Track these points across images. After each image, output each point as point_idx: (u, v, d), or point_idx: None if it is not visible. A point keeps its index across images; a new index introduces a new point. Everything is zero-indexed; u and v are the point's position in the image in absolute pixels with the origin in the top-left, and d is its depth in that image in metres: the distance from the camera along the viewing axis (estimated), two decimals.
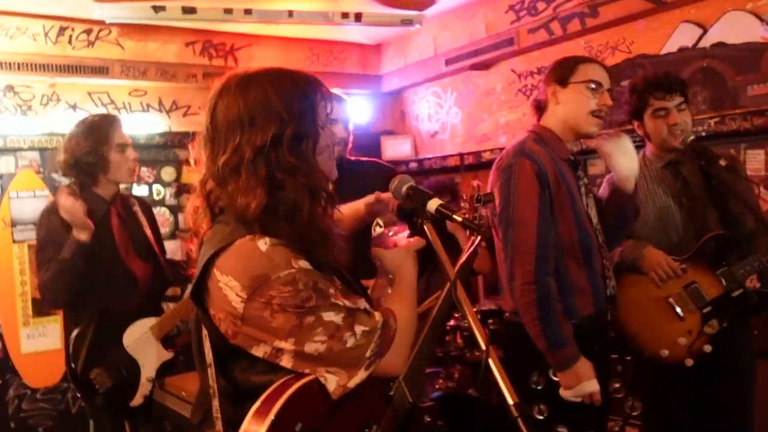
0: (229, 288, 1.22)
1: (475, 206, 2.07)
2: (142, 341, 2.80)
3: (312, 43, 5.59)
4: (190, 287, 1.33)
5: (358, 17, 4.70)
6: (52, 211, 2.79)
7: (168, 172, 5.16)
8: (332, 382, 1.24)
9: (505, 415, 2.30)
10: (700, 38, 3.78)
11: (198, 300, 1.31)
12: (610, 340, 2.38)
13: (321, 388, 1.25)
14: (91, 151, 2.81)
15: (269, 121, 1.27)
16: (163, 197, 5.19)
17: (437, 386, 3.43)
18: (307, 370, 1.24)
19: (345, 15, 4.70)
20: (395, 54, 5.84)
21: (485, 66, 5.13)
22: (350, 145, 2.60)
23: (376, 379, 1.40)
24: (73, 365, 2.72)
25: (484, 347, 1.06)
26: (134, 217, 3.06)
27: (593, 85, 2.24)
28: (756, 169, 3.45)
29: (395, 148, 5.92)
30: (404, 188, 1.41)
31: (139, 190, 4.99)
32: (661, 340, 2.39)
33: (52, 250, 2.71)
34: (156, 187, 5.12)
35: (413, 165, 5.83)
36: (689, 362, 2.36)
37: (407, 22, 4.92)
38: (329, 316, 1.23)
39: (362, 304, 1.30)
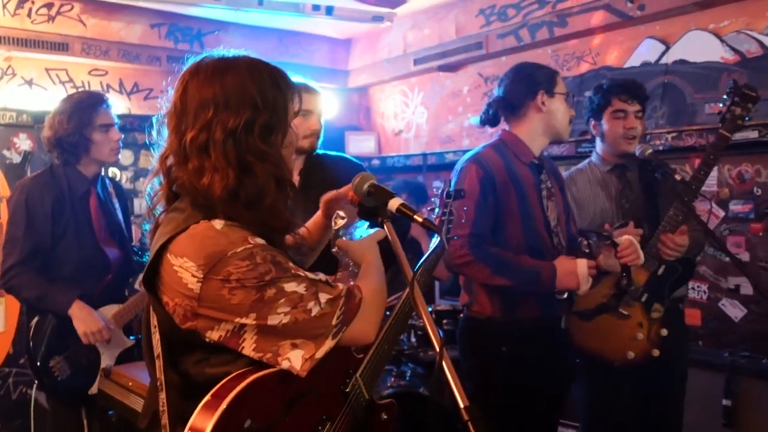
0: (184, 269, 1.20)
1: (446, 201, 2.12)
2: None
3: (281, 33, 5.53)
4: (141, 275, 1.31)
5: (329, 10, 4.68)
6: (25, 190, 2.78)
7: (125, 156, 5.03)
8: (297, 358, 1.21)
9: (457, 415, 2.35)
10: (662, 54, 3.87)
11: (150, 287, 1.28)
12: (560, 346, 2.41)
13: (280, 378, 1.23)
14: (74, 131, 2.78)
15: (244, 106, 1.28)
16: (119, 181, 5.06)
17: (389, 384, 3.44)
18: (269, 352, 1.21)
19: (316, 7, 4.66)
20: (364, 50, 5.82)
21: (453, 68, 5.15)
22: (321, 138, 2.59)
23: (332, 375, 1.39)
24: (32, 352, 2.68)
25: (438, 349, 1.06)
26: (110, 199, 3.03)
27: (567, 97, 2.44)
28: (709, 185, 3.54)
29: (359, 144, 5.91)
30: (366, 186, 1.40)
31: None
32: (621, 344, 2.45)
33: (23, 243, 2.71)
34: (112, 170, 4.99)
35: (376, 162, 5.82)
36: (656, 352, 2.43)
37: (378, 18, 4.92)
38: (291, 286, 1.22)
39: (322, 276, 1.30)
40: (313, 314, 1.23)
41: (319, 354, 1.24)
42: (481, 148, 2.41)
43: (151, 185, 1.37)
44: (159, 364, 1.29)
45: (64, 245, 2.76)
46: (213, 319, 1.21)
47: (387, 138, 5.98)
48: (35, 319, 2.73)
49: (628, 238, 2.30)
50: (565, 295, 2.36)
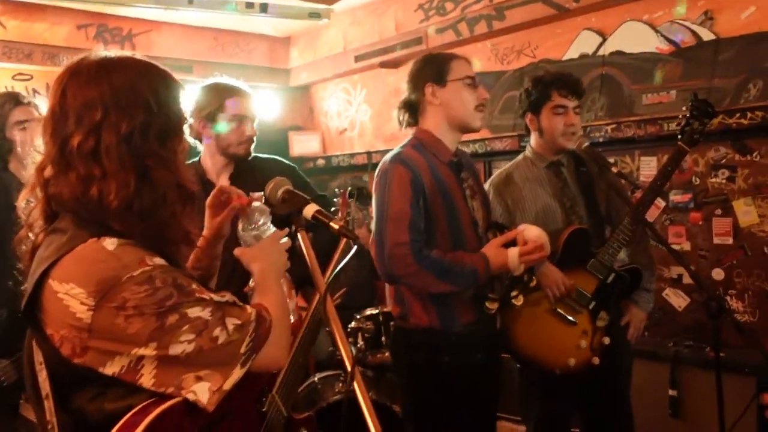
0: (71, 297, 1.07)
1: (348, 201, 2.03)
2: None
3: (217, 32, 5.37)
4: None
5: (264, 7, 4.54)
6: None
7: None
8: (203, 391, 1.10)
9: (407, 419, 2.27)
10: (599, 46, 3.88)
11: (31, 319, 1.14)
12: (496, 348, 2.36)
13: (187, 410, 1.12)
14: None
15: (137, 107, 1.16)
16: None
17: (337, 390, 3.35)
18: (171, 386, 1.09)
19: (249, 5, 4.52)
20: (304, 48, 5.70)
21: (395, 64, 5.08)
22: (254, 144, 2.48)
23: (246, 395, 1.29)
24: None
25: (349, 369, 0.97)
26: None
27: (469, 81, 2.27)
28: (648, 175, 3.56)
29: (303, 145, 5.79)
30: (280, 192, 1.31)
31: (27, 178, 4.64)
32: (564, 351, 2.40)
33: None
34: None
35: (321, 162, 5.72)
36: (596, 360, 2.40)
37: (315, 15, 4.81)
38: (195, 311, 1.11)
39: (230, 297, 1.19)
40: (219, 342, 1.12)
41: (227, 386, 1.13)
42: (401, 148, 2.27)
43: (26, 201, 1.23)
44: (48, 405, 1.14)
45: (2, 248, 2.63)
46: (107, 352, 1.09)
47: (331, 137, 5.87)
48: None
49: (528, 229, 2.21)
50: (493, 310, 2.27)
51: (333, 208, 2.25)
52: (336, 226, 1.21)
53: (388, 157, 2.25)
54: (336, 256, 1.94)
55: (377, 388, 3.34)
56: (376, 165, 5.12)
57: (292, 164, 2.72)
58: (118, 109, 1.15)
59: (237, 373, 1.14)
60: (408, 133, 2.39)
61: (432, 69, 2.26)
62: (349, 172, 5.57)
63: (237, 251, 1.34)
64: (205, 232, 1.44)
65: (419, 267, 2.08)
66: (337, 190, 2.27)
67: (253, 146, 2.46)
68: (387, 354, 3.45)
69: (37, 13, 4.56)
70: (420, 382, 2.20)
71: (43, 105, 3.67)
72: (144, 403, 1.11)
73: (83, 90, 1.16)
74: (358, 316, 3.51)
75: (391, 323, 3.52)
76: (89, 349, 1.08)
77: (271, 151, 2.63)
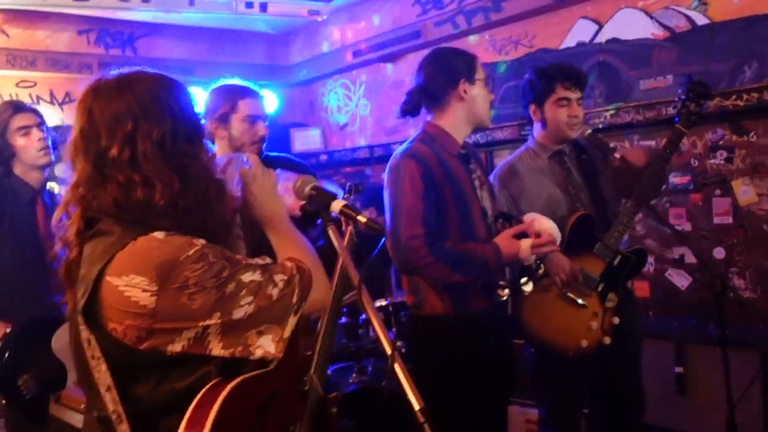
0: (132, 287, 1.15)
1: (345, 196, 2.10)
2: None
3: (217, 32, 5.42)
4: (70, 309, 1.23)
5: (263, 7, 4.60)
6: None
7: (62, 169, 4.87)
8: (268, 343, 1.22)
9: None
10: (596, 34, 3.94)
11: (90, 319, 1.20)
12: (507, 332, 2.44)
13: (250, 386, 1.22)
14: None
15: (164, 115, 1.24)
16: (59, 194, 4.89)
17: (350, 380, 3.43)
18: (239, 346, 1.20)
19: (249, 4, 4.58)
20: (303, 45, 5.76)
21: (393, 58, 5.14)
22: (265, 142, 2.55)
23: (291, 376, 1.39)
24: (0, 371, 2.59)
25: (389, 353, 1.05)
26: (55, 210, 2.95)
27: (488, 82, 2.38)
28: None
29: (305, 141, 5.85)
30: (307, 189, 1.38)
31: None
32: (576, 334, 2.48)
33: None
34: (50, 184, 4.82)
35: (323, 157, 5.78)
36: (607, 340, 2.48)
37: (313, 12, 4.86)
38: (248, 276, 1.21)
39: (269, 259, 1.30)
40: (274, 298, 1.23)
41: (287, 333, 1.24)
42: (411, 142, 2.33)
43: (62, 220, 1.29)
44: (112, 395, 1.21)
45: (11, 259, 2.71)
46: (173, 331, 1.17)
47: (332, 132, 5.94)
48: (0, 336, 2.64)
49: (537, 219, 2.28)
50: (504, 297, 2.35)
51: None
52: (363, 220, 1.28)
53: (398, 152, 2.31)
54: (340, 259, 2.03)
55: (390, 378, 3.41)
56: (378, 159, 5.25)
57: (302, 162, 2.79)
58: (147, 119, 1.22)
59: (292, 321, 1.25)
60: (407, 124, 2.46)
61: (463, 65, 2.32)
62: (352, 167, 5.64)
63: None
64: None
65: (434, 258, 2.15)
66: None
67: (264, 145, 2.53)
68: (398, 344, 3.53)
69: (39, 21, 4.62)
70: (436, 368, 2.28)
71: (46, 111, 3.73)
72: (210, 384, 1.19)
73: (110, 106, 1.23)
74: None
75: (401, 313, 3.62)
76: (155, 332, 1.16)
77: (273, 148, 2.69)
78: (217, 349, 1.19)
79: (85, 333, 1.21)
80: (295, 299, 1.26)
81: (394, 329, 3.60)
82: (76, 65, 4.76)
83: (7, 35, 4.52)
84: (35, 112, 2.94)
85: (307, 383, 1.45)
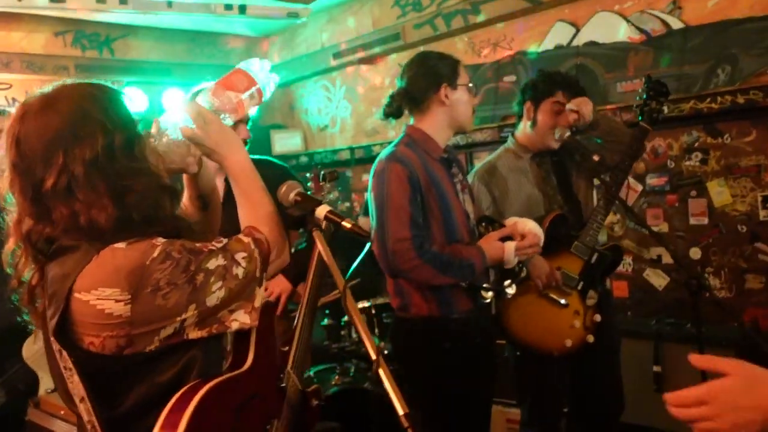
0: (104, 299, 1.14)
1: (321, 184, 2.11)
2: (42, 353, 2.62)
3: (194, 34, 5.39)
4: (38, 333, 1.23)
5: (242, 9, 4.58)
6: None
7: None
8: (242, 316, 1.26)
9: (409, 407, 2.36)
10: (573, 37, 3.99)
11: (62, 337, 1.19)
12: (491, 332, 2.46)
13: (226, 389, 1.24)
14: None
15: (94, 132, 1.20)
16: None
17: (333, 382, 3.43)
18: (215, 324, 1.23)
19: (228, 6, 4.56)
20: (282, 46, 5.75)
21: (373, 60, 5.15)
22: (247, 145, 2.54)
23: (268, 374, 1.42)
24: None
25: (374, 357, 1.06)
26: None
27: (472, 87, 2.38)
28: None
29: (285, 142, 5.84)
30: (292, 194, 1.38)
31: None
32: (559, 333, 2.52)
33: None
34: None
35: (304, 159, 5.78)
36: (590, 338, 2.52)
37: (293, 15, 4.85)
38: (213, 263, 1.23)
39: (224, 239, 1.30)
40: (240, 276, 1.26)
41: (257, 303, 1.29)
42: (394, 146, 2.34)
43: (12, 254, 1.27)
44: (85, 406, 1.21)
45: None
46: (152, 332, 1.18)
47: (312, 134, 5.93)
48: None
49: (520, 222, 2.32)
50: (488, 300, 2.37)
51: (308, 192, 2.34)
52: (348, 225, 1.29)
53: (382, 156, 2.31)
54: (315, 252, 2.04)
55: (372, 379, 3.43)
56: (358, 160, 5.25)
57: (284, 164, 2.79)
58: (77, 140, 1.18)
59: (260, 292, 1.30)
60: (387, 126, 2.46)
61: (446, 69, 2.33)
62: (332, 168, 5.63)
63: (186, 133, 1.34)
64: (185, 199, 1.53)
65: (421, 261, 2.17)
66: (308, 174, 2.32)
67: (246, 148, 2.52)
68: (381, 345, 3.54)
69: (13, 22, 4.55)
70: (422, 369, 2.29)
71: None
72: (185, 387, 1.21)
73: (38, 134, 1.19)
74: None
75: (384, 315, 3.63)
76: (134, 338, 1.16)
77: (253, 150, 2.69)
78: (193, 333, 1.22)
79: (56, 345, 1.20)
80: (258, 272, 1.29)
81: (376, 330, 3.61)
82: (52, 67, 4.70)
83: None
84: (2, 112, 2.88)
85: (285, 379, 1.47)
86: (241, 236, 1.32)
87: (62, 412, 2.34)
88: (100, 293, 1.15)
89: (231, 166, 1.38)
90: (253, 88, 1.46)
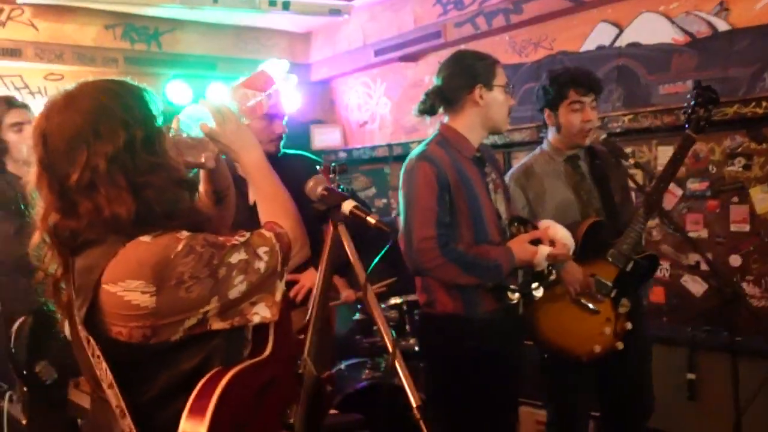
0: (130, 291, 1.19)
1: (330, 177, 2.13)
2: None
3: (239, 29, 5.48)
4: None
5: (286, 5, 4.65)
6: None
7: None
8: (263, 309, 1.29)
9: (431, 403, 2.38)
10: (616, 38, 3.93)
11: (92, 328, 1.25)
12: (518, 334, 2.46)
13: (248, 374, 1.28)
14: None
15: (116, 128, 1.24)
16: None
17: (363, 377, 3.47)
18: (237, 316, 1.27)
19: (272, 2, 4.63)
20: (324, 43, 5.80)
21: (413, 58, 5.17)
22: (283, 140, 2.59)
23: (287, 361, 1.46)
24: (16, 359, 2.68)
25: (391, 350, 1.09)
26: None
27: (509, 88, 2.37)
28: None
29: (324, 138, 5.90)
30: (319, 189, 1.42)
31: None
32: (589, 339, 2.51)
33: None
34: None
35: (342, 155, 5.83)
36: (620, 345, 2.50)
37: (335, 12, 4.90)
38: (235, 257, 1.26)
39: (247, 233, 1.33)
40: (262, 271, 1.29)
41: (278, 297, 1.32)
42: (425, 145, 2.35)
43: (38, 247, 1.32)
44: (113, 392, 1.25)
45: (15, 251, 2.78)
46: (176, 323, 1.22)
47: (352, 130, 5.98)
48: (16, 325, 2.70)
49: (552, 226, 2.30)
50: (514, 301, 2.36)
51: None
52: (373, 221, 1.32)
53: (413, 154, 2.33)
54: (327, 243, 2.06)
55: (390, 373, 3.45)
56: (397, 157, 5.29)
57: (318, 159, 2.83)
58: (99, 137, 1.23)
59: (280, 286, 1.33)
60: (426, 123, 2.47)
61: (482, 70, 2.32)
62: (371, 164, 5.68)
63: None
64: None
65: (445, 260, 2.18)
66: (318, 167, 2.34)
67: (282, 143, 2.57)
68: (411, 341, 3.56)
69: (66, 15, 4.71)
70: (445, 366, 2.31)
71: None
72: (209, 375, 1.25)
73: (62, 132, 1.24)
74: (383, 306, 3.62)
75: (415, 312, 3.66)
76: (160, 328, 1.22)
77: (292, 145, 2.74)
78: (216, 324, 1.26)
79: (83, 333, 1.25)
80: (279, 266, 1.32)
81: (407, 327, 3.63)
82: (102, 59, 4.85)
83: (36, 29, 4.62)
84: (28, 108, 2.98)
85: (302, 366, 1.52)
86: (263, 231, 1.35)
87: None
88: (126, 285, 1.20)
89: (246, 164, 1.43)
90: (271, 88, 1.50)
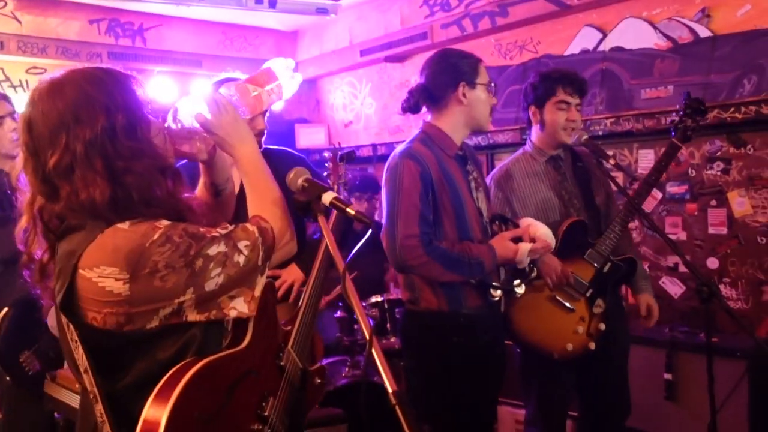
0: (104, 278, 1.19)
1: (338, 163, 2.12)
2: None
3: (225, 26, 5.48)
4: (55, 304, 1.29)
5: (272, 3, 4.65)
6: None
7: None
8: (241, 304, 1.28)
9: (414, 400, 2.39)
10: (600, 42, 3.98)
11: (68, 311, 1.25)
12: (501, 331, 2.48)
13: (219, 367, 1.27)
14: None
15: (96, 114, 1.25)
16: None
17: (344, 374, 3.47)
18: (213, 310, 1.26)
19: (259, 1, 4.63)
20: (311, 42, 5.81)
21: (399, 58, 5.19)
22: (265, 136, 2.59)
23: (266, 352, 1.45)
24: (2, 348, 2.63)
25: (368, 337, 1.09)
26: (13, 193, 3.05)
27: (491, 87, 2.37)
28: (646, 167, 3.67)
29: (309, 137, 5.91)
30: (300, 180, 1.42)
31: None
32: (562, 337, 2.52)
33: None
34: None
35: (327, 154, 5.82)
36: (592, 345, 2.51)
37: (322, 10, 4.91)
38: (213, 249, 1.25)
39: (230, 225, 1.32)
40: (242, 265, 1.28)
41: (257, 293, 1.31)
42: (410, 142, 2.35)
43: (24, 233, 1.32)
44: (88, 378, 1.26)
45: None
46: (150, 312, 1.22)
47: (337, 129, 5.99)
48: (2, 313, 2.67)
49: (533, 224, 2.32)
50: (497, 298, 2.38)
51: (325, 173, 2.37)
52: (352, 212, 1.32)
53: (397, 151, 2.34)
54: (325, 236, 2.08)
55: (367, 361, 3.44)
56: (381, 157, 5.30)
57: (301, 155, 2.84)
58: (79, 122, 1.24)
59: (261, 281, 1.32)
60: (410, 124, 2.47)
61: (465, 68, 2.33)
62: (355, 164, 5.69)
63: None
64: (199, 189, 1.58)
65: (429, 258, 2.19)
66: (326, 154, 2.33)
67: (263, 138, 2.57)
68: (392, 339, 3.57)
69: (50, 9, 4.68)
70: (429, 363, 2.32)
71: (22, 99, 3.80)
72: (182, 363, 1.24)
73: (45, 118, 1.25)
74: (364, 304, 3.62)
75: (396, 310, 3.66)
76: (134, 316, 1.21)
77: (277, 143, 2.74)
78: (192, 316, 1.25)
79: (64, 318, 1.26)
80: (260, 261, 1.31)
81: (388, 325, 3.64)
82: (86, 54, 4.82)
83: (20, 22, 4.58)
84: (7, 100, 2.95)
85: (284, 358, 1.51)
86: (247, 225, 1.34)
87: (77, 386, 2.41)
88: (101, 271, 1.19)
89: (240, 157, 1.42)
90: (273, 84, 1.51)
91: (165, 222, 1.24)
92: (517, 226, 2.34)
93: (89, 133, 1.23)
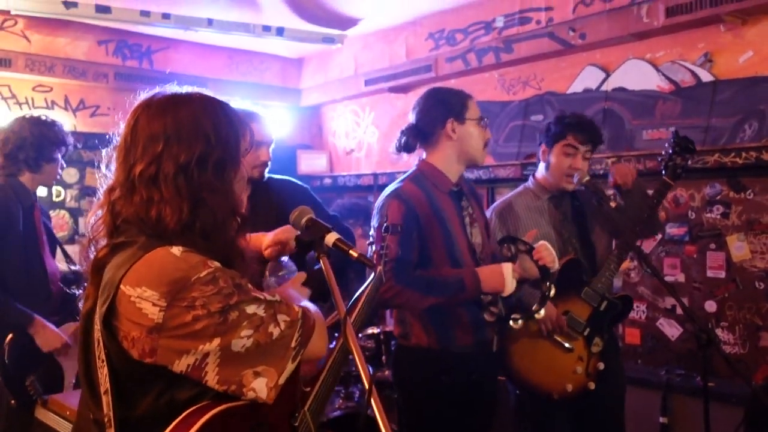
0: (143, 300, 1.18)
1: (383, 235, 2.13)
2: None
3: (232, 51, 5.53)
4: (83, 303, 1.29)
5: (280, 31, 4.70)
6: None
7: (70, 174, 4.94)
8: (262, 387, 1.22)
9: None
10: (603, 81, 4.02)
11: (106, 323, 1.23)
12: (491, 369, 2.45)
13: (235, 414, 1.23)
14: (37, 149, 2.91)
15: (196, 140, 1.28)
16: (63, 199, 4.96)
17: (337, 405, 3.44)
18: (234, 383, 1.20)
19: (266, 28, 4.68)
20: (316, 69, 5.86)
21: (403, 89, 5.23)
22: (268, 167, 2.60)
23: (282, 408, 1.39)
24: (9, 372, 2.67)
25: (367, 386, 1.09)
26: (46, 215, 3.17)
27: (482, 121, 2.40)
28: None
29: (311, 163, 5.92)
30: (304, 220, 1.43)
31: (39, 190, 4.75)
32: (561, 377, 2.51)
33: None
34: (56, 188, 4.88)
35: (328, 181, 5.84)
36: (592, 386, 2.50)
37: (329, 40, 4.96)
38: (252, 309, 1.22)
39: (279, 296, 1.31)
40: (274, 337, 1.24)
41: (282, 380, 1.25)
42: (400, 182, 2.39)
43: (95, 217, 1.35)
44: (107, 399, 1.24)
45: (13, 257, 2.79)
46: (176, 351, 1.19)
47: (338, 157, 6.01)
48: (9, 338, 2.69)
49: (543, 243, 2.32)
50: (492, 320, 2.37)
51: (368, 241, 2.39)
52: (355, 254, 1.33)
53: (387, 191, 2.38)
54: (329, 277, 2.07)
55: (366, 408, 3.42)
56: (381, 186, 5.29)
57: (305, 185, 2.84)
58: (178, 142, 1.28)
59: (289, 367, 1.26)
60: (413, 154, 2.49)
61: (453, 104, 2.37)
62: (355, 192, 5.70)
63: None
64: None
65: (401, 286, 2.19)
66: (374, 224, 2.37)
67: (267, 170, 2.58)
68: (386, 372, 3.55)
69: (60, 29, 4.72)
70: (419, 399, 2.31)
71: (59, 116, 3.80)
72: (194, 408, 1.21)
73: (150, 123, 1.30)
74: (360, 335, 3.61)
75: (392, 342, 3.64)
76: (159, 349, 1.18)
77: (279, 168, 2.74)
78: (212, 380, 1.20)
79: (97, 333, 1.24)
80: (294, 344, 1.27)
81: (384, 357, 3.62)
82: (92, 74, 4.86)
83: (29, 40, 4.62)
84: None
85: (298, 419, 1.45)
86: (293, 304, 1.33)
87: (68, 413, 2.39)
88: (141, 292, 1.19)
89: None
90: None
91: (216, 264, 1.24)
92: (526, 244, 2.33)
93: (184, 156, 1.26)
